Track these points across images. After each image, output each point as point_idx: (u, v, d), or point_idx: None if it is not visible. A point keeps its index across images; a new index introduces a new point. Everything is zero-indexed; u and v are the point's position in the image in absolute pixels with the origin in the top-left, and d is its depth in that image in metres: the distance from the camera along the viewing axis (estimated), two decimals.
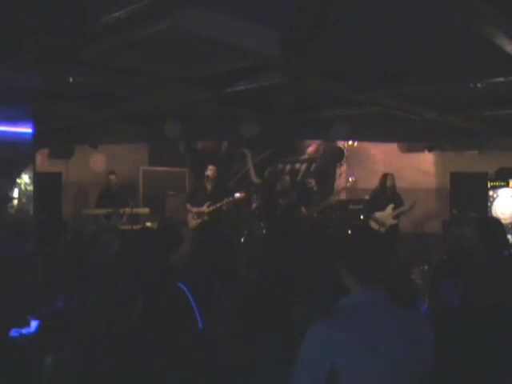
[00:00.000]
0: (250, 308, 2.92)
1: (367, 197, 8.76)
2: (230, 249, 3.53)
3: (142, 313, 2.83)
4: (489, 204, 8.64)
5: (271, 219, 8.37)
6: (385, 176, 8.41)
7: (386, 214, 8.23)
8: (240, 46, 3.79)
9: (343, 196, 10.45)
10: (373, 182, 8.63)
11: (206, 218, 7.98)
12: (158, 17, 3.33)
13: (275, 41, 3.85)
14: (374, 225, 8.05)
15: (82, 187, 9.61)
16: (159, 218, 9.04)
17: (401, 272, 3.09)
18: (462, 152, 9.14)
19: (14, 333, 3.43)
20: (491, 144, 8.01)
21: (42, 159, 8.41)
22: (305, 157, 11.05)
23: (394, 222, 8.26)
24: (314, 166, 10.98)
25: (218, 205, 7.98)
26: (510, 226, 8.17)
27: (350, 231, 3.02)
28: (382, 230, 7.96)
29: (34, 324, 3.52)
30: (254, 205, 9.06)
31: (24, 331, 3.46)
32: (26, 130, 4.82)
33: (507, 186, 8.60)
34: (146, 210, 8.79)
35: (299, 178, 10.80)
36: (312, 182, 9.70)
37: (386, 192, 8.33)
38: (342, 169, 11.01)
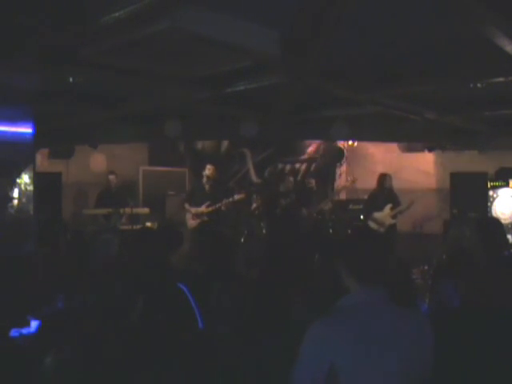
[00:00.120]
0: (249, 308, 2.92)
1: (367, 197, 8.77)
2: (230, 249, 3.54)
3: (141, 313, 2.84)
4: (489, 204, 8.65)
5: (271, 219, 8.37)
6: (383, 176, 8.42)
7: (385, 214, 8.25)
8: (240, 46, 3.78)
9: (343, 196, 10.46)
10: (373, 182, 8.63)
11: (204, 218, 7.96)
12: (158, 17, 3.33)
13: (275, 41, 3.85)
14: (373, 225, 8.06)
15: (81, 187, 9.61)
16: (159, 217, 9.03)
17: (401, 272, 3.09)
18: (462, 152, 9.14)
19: (14, 333, 3.43)
20: (491, 144, 8.00)
21: (42, 159, 8.40)
22: (305, 157, 11.06)
23: (393, 221, 8.29)
24: (313, 166, 10.99)
25: (216, 205, 7.97)
26: (510, 226, 8.18)
27: (349, 231, 3.03)
28: (382, 230, 7.97)
29: (34, 324, 3.52)
30: (254, 205, 9.06)
31: (24, 331, 3.46)
32: (25, 129, 4.82)
33: (507, 185, 8.61)
34: (146, 210, 8.78)
35: (299, 177, 10.81)
36: (312, 182, 9.71)
37: (384, 192, 8.35)
38: (342, 169, 11.02)
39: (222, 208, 8.03)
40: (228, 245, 3.56)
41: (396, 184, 8.66)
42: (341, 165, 10.98)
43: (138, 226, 7.60)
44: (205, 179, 8.16)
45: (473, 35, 3.78)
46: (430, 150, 9.17)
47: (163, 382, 2.65)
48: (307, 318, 2.06)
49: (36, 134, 4.87)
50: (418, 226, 9.07)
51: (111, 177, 8.78)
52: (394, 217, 8.27)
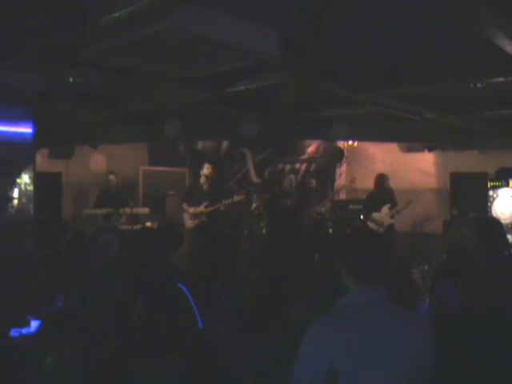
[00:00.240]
0: (249, 308, 2.92)
1: (365, 198, 8.78)
2: (230, 249, 3.54)
3: (141, 313, 2.84)
4: (489, 204, 8.64)
5: (272, 219, 8.37)
6: (380, 177, 8.44)
7: (383, 214, 8.28)
8: (240, 46, 3.79)
9: (343, 196, 10.46)
10: (372, 182, 8.64)
11: (202, 218, 7.94)
12: (158, 17, 3.33)
13: (275, 41, 3.85)
14: (372, 225, 8.07)
15: (81, 187, 9.61)
16: (159, 217, 9.03)
17: (401, 272, 3.09)
18: (462, 152, 9.14)
19: (14, 333, 3.43)
20: (491, 144, 8.00)
21: (42, 159, 8.39)
22: (305, 157, 11.05)
23: (392, 221, 8.32)
24: (313, 166, 10.98)
25: (215, 206, 7.95)
26: (510, 226, 8.17)
27: (349, 231, 3.02)
28: (381, 230, 7.99)
29: (34, 324, 3.52)
30: (254, 205, 9.06)
31: (24, 331, 3.46)
32: (25, 129, 4.81)
33: (507, 186, 8.60)
34: (146, 210, 8.77)
35: (299, 177, 10.80)
36: (312, 182, 9.70)
37: (382, 192, 8.36)
38: (342, 169, 11.01)
39: (221, 208, 8.02)
40: (228, 245, 3.56)
41: (396, 184, 8.66)
42: (341, 165, 10.97)
43: (138, 226, 7.60)
44: (203, 179, 8.14)
45: (473, 35, 3.78)
46: (430, 149, 9.17)
47: (163, 382, 2.65)
48: (307, 318, 2.06)
49: (36, 134, 4.86)
50: (418, 226, 9.07)
51: (111, 177, 8.78)
52: (392, 217, 8.30)
